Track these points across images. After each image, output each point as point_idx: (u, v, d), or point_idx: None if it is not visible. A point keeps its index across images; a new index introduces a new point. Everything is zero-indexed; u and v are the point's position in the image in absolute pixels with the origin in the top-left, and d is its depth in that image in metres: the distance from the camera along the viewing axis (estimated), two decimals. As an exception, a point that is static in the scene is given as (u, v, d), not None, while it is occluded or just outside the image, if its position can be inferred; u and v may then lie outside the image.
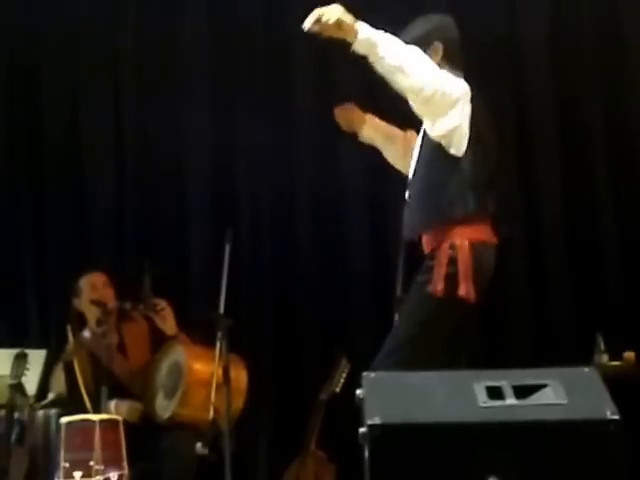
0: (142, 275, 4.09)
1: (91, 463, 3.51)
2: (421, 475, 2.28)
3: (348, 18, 3.11)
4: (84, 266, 4.61)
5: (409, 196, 3.37)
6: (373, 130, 3.62)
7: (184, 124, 5.11)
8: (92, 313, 4.28)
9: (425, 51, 3.25)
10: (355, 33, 3.10)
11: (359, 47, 3.12)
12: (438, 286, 3.12)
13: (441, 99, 3.14)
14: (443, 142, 3.19)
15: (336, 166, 4.97)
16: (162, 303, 4.22)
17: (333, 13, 3.09)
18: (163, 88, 5.15)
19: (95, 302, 4.23)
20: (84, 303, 4.32)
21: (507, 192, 3.31)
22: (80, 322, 4.36)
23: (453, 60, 3.31)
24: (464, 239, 3.16)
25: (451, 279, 3.12)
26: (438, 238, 3.20)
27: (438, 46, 3.30)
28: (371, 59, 3.13)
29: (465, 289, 3.12)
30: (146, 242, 5.02)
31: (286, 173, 5.02)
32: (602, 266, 4.82)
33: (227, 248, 3.98)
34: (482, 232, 3.24)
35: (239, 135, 5.07)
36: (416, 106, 3.19)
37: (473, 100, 3.22)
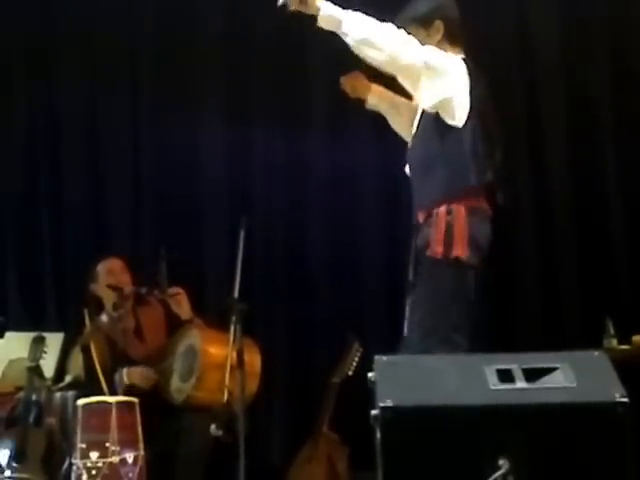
0: (158, 261, 4.12)
1: (107, 444, 3.57)
2: (432, 457, 2.30)
3: None
4: (101, 251, 4.66)
5: (410, 169, 3.39)
6: (378, 98, 3.62)
7: (200, 115, 5.12)
8: (109, 297, 4.32)
9: (427, 30, 3.30)
10: (317, 9, 3.17)
11: (323, 22, 3.19)
12: (437, 248, 3.14)
13: (423, 68, 3.16)
14: (440, 113, 3.21)
15: (349, 153, 4.98)
16: (177, 288, 4.25)
17: None
18: (179, 82, 5.16)
19: (112, 287, 4.27)
20: (101, 288, 4.36)
21: (501, 162, 3.33)
22: (97, 306, 4.39)
23: (454, 39, 3.33)
24: (460, 204, 3.17)
25: (449, 243, 3.15)
26: (431, 203, 3.22)
27: (439, 25, 3.32)
28: (341, 36, 3.17)
29: (462, 250, 3.14)
30: (162, 228, 5.05)
31: (300, 159, 5.02)
32: (611, 250, 4.82)
33: (241, 234, 3.99)
34: (477, 200, 3.24)
35: (254, 125, 5.08)
36: (400, 79, 3.21)
37: (471, 75, 3.24)
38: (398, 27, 3.32)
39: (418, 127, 3.36)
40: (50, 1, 5.33)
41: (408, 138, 3.55)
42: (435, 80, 3.19)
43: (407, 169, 3.45)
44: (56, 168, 5.27)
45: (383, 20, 3.22)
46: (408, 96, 3.49)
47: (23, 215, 5.26)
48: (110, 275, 4.36)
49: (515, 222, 4.87)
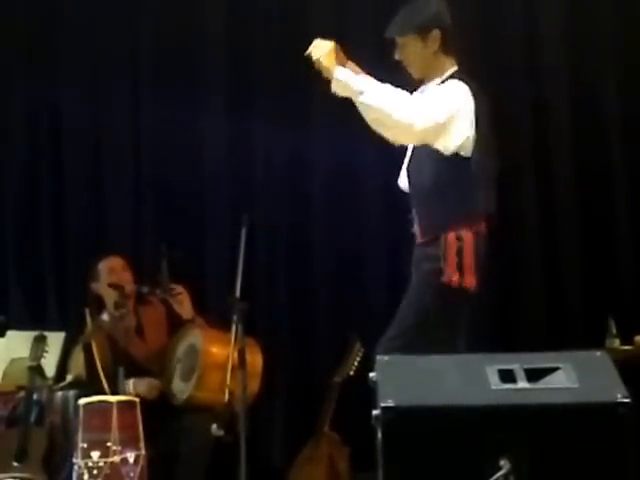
0: (159, 259, 4.13)
1: (108, 444, 3.55)
2: (433, 457, 2.30)
3: (329, 59, 3.19)
4: (102, 250, 4.67)
5: (412, 187, 3.37)
6: None
7: (201, 111, 5.11)
8: (110, 296, 4.32)
9: (425, 40, 3.27)
10: (331, 75, 3.17)
11: (336, 88, 3.18)
12: (453, 277, 3.16)
13: (437, 127, 3.15)
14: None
15: (351, 151, 4.97)
16: (178, 287, 4.26)
17: (317, 51, 3.22)
18: (181, 80, 5.16)
19: (113, 285, 4.27)
20: (102, 286, 4.36)
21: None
22: (98, 305, 4.40)
23: (448, 47, 3.31)
24: (468, 231, 3.19)
25: (459, 269, 3.17)
26: (438, 228, 3.23)
27: (437, 34, 3.29)
28: (354, 101, 3.17)
29: (471, 280, 3.18)
30: (163, 227, 5.05)
31: (303, 157, 5.02)
32: (614, 251, 4.83)
33: (243, 232, 3.99)
34: (480, 224, 3.27)
35: (256, 121, 5.08)
36: (416, 141, 3.23)
37: (475, 97, 3.22)
38: (394, 36, 3.33)
39: (418, 147, 3.33)
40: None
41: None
42: (449, 131, 3.17)
43: (403, 183, 3.44)
44: (57, 167, 5.27)
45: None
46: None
47: (24, 214, 5.25)
48: (111, 274, 4.37)
49: (519, 222, 4.88)
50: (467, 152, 3.20)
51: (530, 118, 4.99)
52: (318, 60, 3.20)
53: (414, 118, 3.12)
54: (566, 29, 4.98)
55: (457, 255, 3.17)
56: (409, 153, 3.39)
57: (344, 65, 3.34)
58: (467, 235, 3.18)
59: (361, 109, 3.16)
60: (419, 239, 3.32)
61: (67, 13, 5.31)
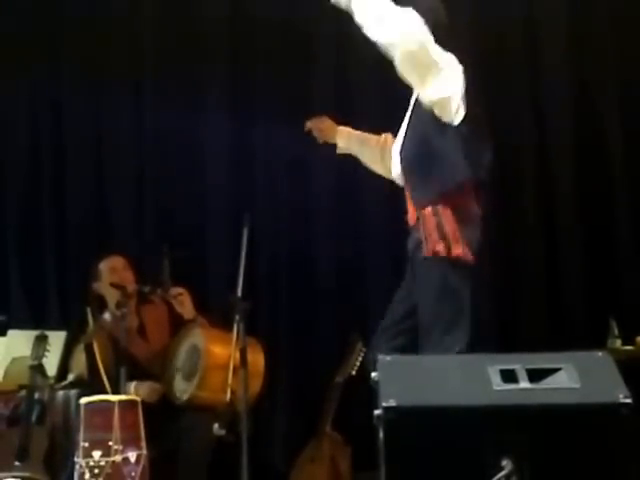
0: (161, 259, 4.13)
1: (110, 443, 3.55)
2: (435, 457, 2.31)
3: None
4: (104, 250, 4.67)
5: (402, 170, 3.35)
6: (347, 139, 3.67)
7: (203, 111, 5.13)
8: (112, 296, 4.33)
9: None
10: None
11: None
12: (437, 246, 3.12)
13: (427, 57, 3.13)
14: (436, 110, 3.18)
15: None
16: (179, 288, 4.26)
17: None
18: (182, 81, 5.17)
19: (115, 285, 4.27)
20: (104, 286, 4.37)
21: (490, 165, 3.35)
22: (100, 305, 4.40)
23: (440, 44, 3.27)
24: (445, 205, 3.16)
25: (443, 239, 3.13)
26: (418, 207, 3.22)
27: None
28: (352, 10, 3.14)
29: (459, 249, 3.12)
30: (165, 226, 5.06)
31: (303, 156, 5.02)
32: (616, 251, 4.83)
33: (245, 232, 4.00)
34: (464, 200, 3.21)
35: (257, 122, 5.09)
36: (402, 65, 3.15)
37: (466, 76, 3.22)
38: None
39: (407, 129, 3.34)
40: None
41: (382, 171, 3.59)
42: (440, 76, 3.16)
43: (395, 173, 3.43)
44: (59, 167, 5.28)
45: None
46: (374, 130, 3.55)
47: (26, 213, 5.27)
48: (113, 273, 4.37)
49: (520, 222, 4.88)
50: (450, 117, 3.18)
51: (531, 119, 4.99)
52: None
53: (420, 40, 3.10)
54: (567, 30, 4.99)
55: (437, 228, 3.14)
56: (402, 138, 3.37)
57: (334, 133, 3.54)
58: (444, 209, 3.15)
59: (367, 13, 3.13)
60: (410, 223, 3.30)
61: (68, 13, 5.32)
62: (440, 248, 3.13)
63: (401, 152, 3.39)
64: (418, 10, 3.30)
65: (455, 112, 3.18)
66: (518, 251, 4.89)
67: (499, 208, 4.71)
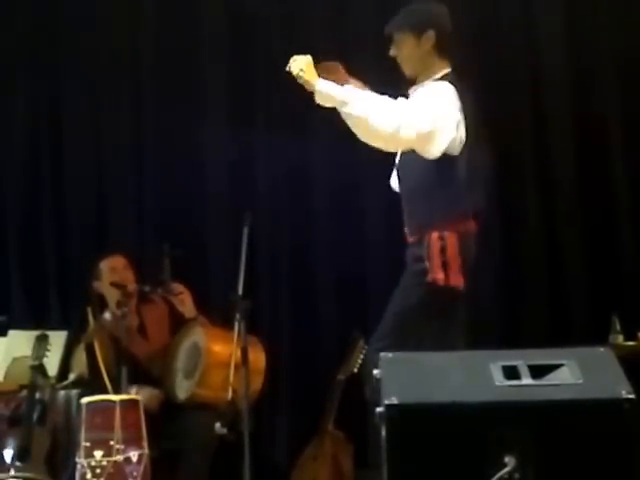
0: (161, 258, 4.13)
1: (111, 442, 3.56)
2: (437, 454, 2.31)
3: (309, 72, 3.24)
4: (104, 249, 4.68)
5: (402, 187, 3.42)
6: None
7: (204, 111, 5.13)
8: (112, 295, 4.33)
9: (418, 38, 3.32)
10: (313, 87, 3.24)
11: (319, 99, 3.25)
12: (438, 275, 3.20)
13: (420, 136, 3.18)
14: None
15: (353, 151, 4.97)
16: (180, 287, 4.27)
17: (296, 65, 3.27)
18: (182, 80, 5.17)
19: (115, 284, 4.27)
20: (104, 285, 4.37)
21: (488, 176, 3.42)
22: (100, 304, 4.41)
23: (442, 51, 3.36)
24: (452, 230, 3.23)
25: (444, 268, 3.21)
26: (422, 228, 3.28)
27: (431, 34, 3.34)
28: (339, 111, 3.22)
29: (456, 279, 3.22)
30: (165, 226, 5.06)
31: (303, 157, 5.02)
32: (618, 247, 4.82)
33: (245, 231, 4.00)
34: (467, 224, 3.30)
35: (257, 122, 5.10)
36: (400, 148, 3.29)
37: (461, 98, 3.26)
38: (391, 31, 3.38)
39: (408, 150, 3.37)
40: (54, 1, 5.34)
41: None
42: (433, 138, 3.21)
43: (394, 183, 3.50)
44: (59, 167, 5.29)
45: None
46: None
47: (26, 213, 5.27)
48: (113, 273, 4.37)
49: (522, 219, 4.88)
50: (454, 151, 3.24)
51: (530, 116, 4.98)
52: (298, 75, 3.27)
53: (397, 128, 3.17)
54: (565, 29, 4.98)
55: (440, 254, 3.21)
56: (399, 153, 3.44)
57: (346, 83, 3.40)
58: (450, 235, 3.22)
59: (346, 119, 3.23)
60: (408, 239, 3.37)
61: (68, 14, 5.32)
62: (440, 277, 3.21)
63: (398, 171, 3.44)
64: (426, 15, 3.34)
65: (457, 143, 3.23)
66: (520, 247, 4.89)
67: (500, 204, 4.72)
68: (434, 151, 3.22)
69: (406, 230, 3.40)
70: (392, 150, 3.38)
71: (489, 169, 3.43)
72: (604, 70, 4.95)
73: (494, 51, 4.93)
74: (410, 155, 3.33)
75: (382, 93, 3.54)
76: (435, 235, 3.22)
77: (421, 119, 3.19)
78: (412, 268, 3.30)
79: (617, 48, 4.92)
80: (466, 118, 3.25)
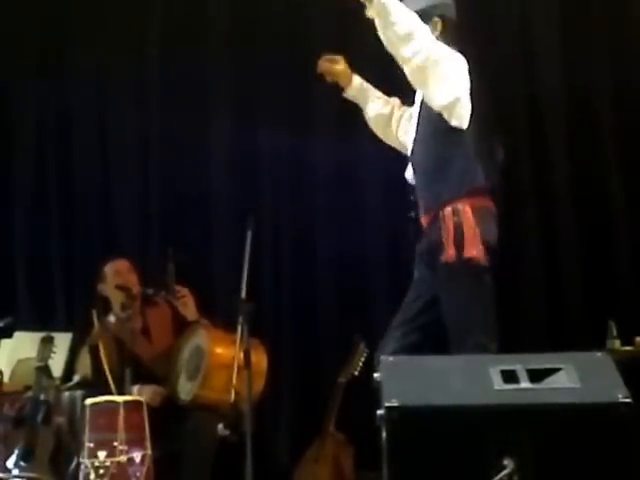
0: (166, 262, 4.15)
1: (115, 443, 3.57)
2: (437, 456, 2.33)
3: None
4: (110, 252, 4.70)
5: (414, 173, 3.38)
6: (358, 89, 3.63)
7: (207, 115, 5.15)
8: (117, 298, 4.35)
9: (425, 24, 3.25)
10: None
11: (373, 10, 3.13)
12: (449, 251, 3.15)
13: (441, 68, 3.15)
14: (445, 114, 3.21)
15: (353, 154, 5.00)
16: (183, 290, 4.29)
17: None
18: (187, 83, 5.20)
19: (120, 287, 4.30)
20: (109, 288, 4.39)
21: (502, 161, 3.37)
22: (105, 307, 4.42)
23: (450, 38, 3.32)
24: (465, 204, 3.18)
25: (460, 244, 3.15)
26: (436, 205, 3.23)
27: (437, 22, 3.33)
28: (381, 24, 3.13)
29: (473, 250, 3.14)
30: (170, 229, 5.08)
31: (307, 160, 5.03)
32: (615, 253, 4.84)
33: (249, 235, 4.01)
34: (482, 199, 3.25)
35: (261, 125, 5.11)
36: (414, 76, 3.17)
37: (471, 73, 3.24)
38: None
39: (417, 131, 3.36)
40: (61, 2, 5.36)
41: (379, 133, 3.61)
42: (447, 79, 3.18)
43: (409, 174, 3.47)
44: (65, 169, 5.30)
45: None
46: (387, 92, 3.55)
47: (32, 216, 5.29)
48: (118, 276, 4.39)
49: (520, 224, 4.89)
50: (459, 121, 3.20)
51: (527, 117, 5.00)
52: None
53: (433, 48, 3.13)
54: (562, 30, 5.00)
55: (455, 229, 3.16)
56: (412, 140, 3.40)
57: (349, 79, 3.44)
58: (465, 209, 3.18)
59: (395, 26, 3.11)
60: (424, 224, 3.31)
61: (75, 23, 5.36)
62: (451, 253, 3.15)
63: (413, 157, 3.40)
64: (432, 3, 3.33)
65: (463, 115, 3.20)
66: (518, 253, 4.89)
67: (498, 210, 4.73)
68: (464, 115, 3.17)
69: (422, 216, 3.33)
70: (412, 66, 3.17)
71: (500, 151, 3.37)
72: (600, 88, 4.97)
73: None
74: (424, 134, 3.30)
75: (386, 90, 3.58)
76: (449, 210, 3.17)
77: (439, 54, 3.18)
78: (437, 258, 3.20)
79: (615, 48, 4.94)
80: (472, 91, 3.22)
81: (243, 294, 3.91)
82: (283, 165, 5.12)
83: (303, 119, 5.09)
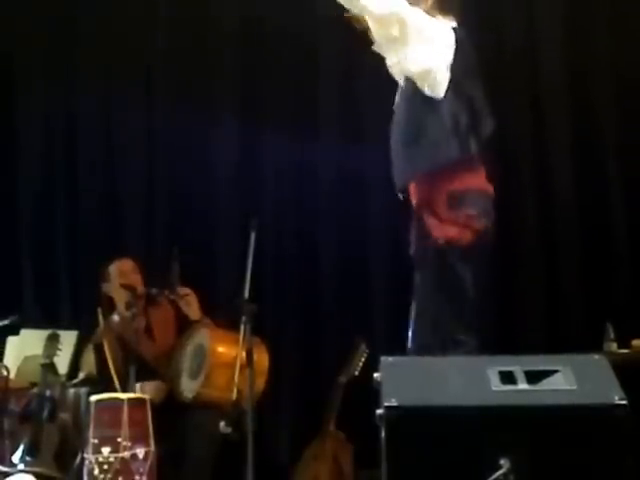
0: (170, 262, 4.18)
1: (119, 440, 3.62)
2: (435, 455, 2.33)
3: None
4: (115, 251, 4.73)
5: (392, 149, 3.28)
6: None
7: (213, 116, 5.16)
8: (121, 297, 4.40)
9: None
10: None
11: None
12: (437, 233, 3.08)
13: (414, 32, 3.09)
14: (417, 82, 3.13)
15: (356, 157, 5.02)
16: (186, 289, 4.32)
17: None
18: (193, 84, 5.22)
19: (124, 286, 4.34)
20: (114, 288, 4.44)
21: (490, 133, 3.23)
22: (110, 306, 4.47)
23: (444, 8, 3.24)
24: (439, 189, 3.09)
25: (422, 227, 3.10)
26: (429, 187, 3.14)
27: None
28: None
29: (452, 231, 3.06)
30: (175, 229, 5.11)
31: (310, 161, 5.05)
32: (612, 256, 4.83)
33: (252, 236, 4.03)
34: (477, 178, 3.16)
35: (266, 126, 5.13)
36: (385, 39, 3.13)
37: (458, 45, 3.17)
38: None
39: (398, 101, 3.27)
40: (68, 4, 5.39)
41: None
42: (422, 46, 3.11)
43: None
44: (71, 169, 5.33)
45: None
46: None
47: (39, 215, 5.32)
48: (122, 275, 4.44)
49: (518, 226, 4.89)
50: (433, 90, 3.12)
51: (529, 120, 5.00)
52: None
53: (404, 11, 3.08)
54: (564, 32, 5.01)
55: (427, 205, 3.09)
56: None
57: None
58: (438, 195, 3.09)
59: None
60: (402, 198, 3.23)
61: (83, 29, 5.39)
62: (441, 235, 3.07)
63: (391, 135, 3.30)
64: None
65: (441, 83, 3.11)
66: (516, 255, 4.90)
67: (496, 213, 4.74)
68: (439, 84, 3.08)
69: (412, 190, 3.22)
70: (381, 27, 3.11)
71: (490, 122, 3.23)
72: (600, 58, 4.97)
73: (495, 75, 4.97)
74: (397, 109, 3.22)
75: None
76: (443, 195, 3.07)
77: (426, 21, 3.11)
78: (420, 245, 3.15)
79: (616, 52, 4.94)
80: (455, 62, 3.13)
81: (246, 294, 3.95)
82: (287, 167, 5.14)
83: (307, 121, 5.11)
